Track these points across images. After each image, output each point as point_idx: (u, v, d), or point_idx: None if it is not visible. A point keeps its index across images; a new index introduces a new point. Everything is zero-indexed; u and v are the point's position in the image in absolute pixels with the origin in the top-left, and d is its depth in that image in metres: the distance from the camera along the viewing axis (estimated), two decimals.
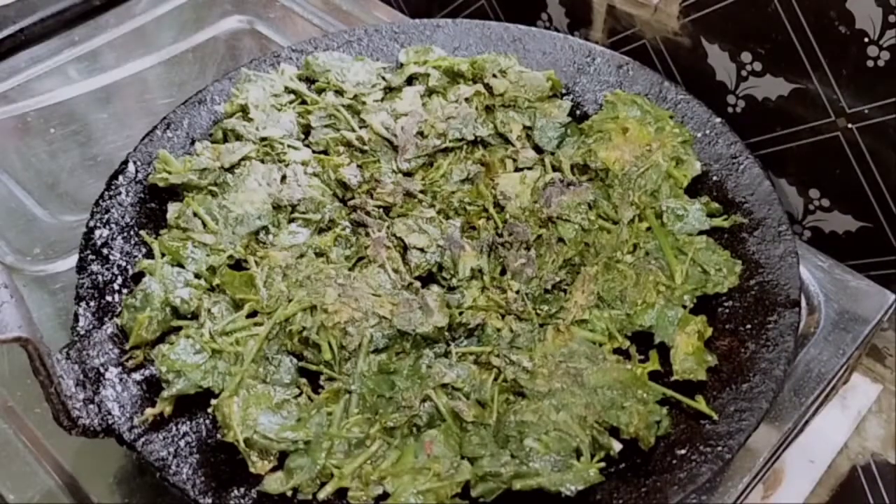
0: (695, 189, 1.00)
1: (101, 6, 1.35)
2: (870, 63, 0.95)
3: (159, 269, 0.89)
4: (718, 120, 1.03)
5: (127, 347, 0.85)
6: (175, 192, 0.99)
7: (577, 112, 1.09)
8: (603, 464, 0.77)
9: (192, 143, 1.04)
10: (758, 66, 1.06)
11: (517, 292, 0.91)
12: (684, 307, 0.89)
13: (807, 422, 0.93)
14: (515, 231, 0.95)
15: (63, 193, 1.12)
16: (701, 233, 0.95)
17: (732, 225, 0.95)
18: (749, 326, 0.87)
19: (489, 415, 0.81)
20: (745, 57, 1.06)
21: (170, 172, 0.98)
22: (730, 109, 1.12)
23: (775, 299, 0.88)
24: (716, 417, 0.80)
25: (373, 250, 0.93)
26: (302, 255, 0.93)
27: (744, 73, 1.07)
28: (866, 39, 0.94)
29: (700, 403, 0.81)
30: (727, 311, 0.89)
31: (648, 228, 0.95)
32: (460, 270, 0.93)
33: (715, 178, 1.00)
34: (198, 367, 0.83)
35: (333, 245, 0.95)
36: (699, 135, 1.03)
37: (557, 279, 0.92)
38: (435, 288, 0.91)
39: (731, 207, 0.97)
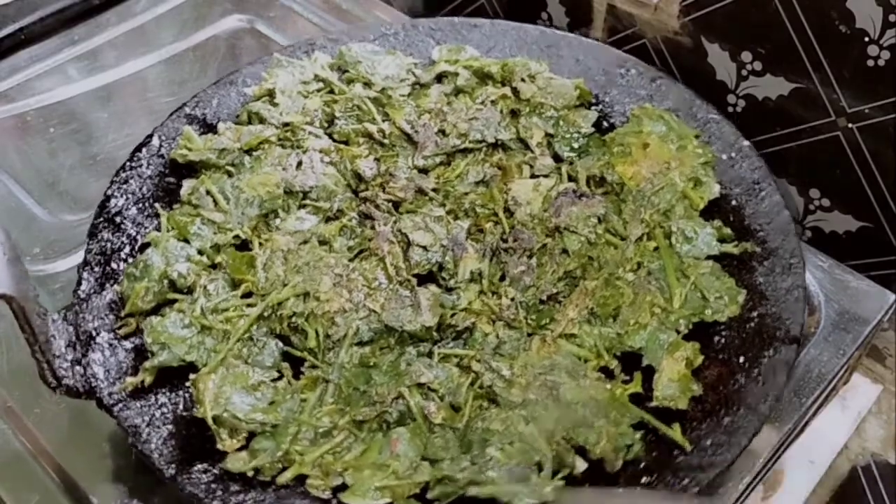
0: (712, 212, 0.97)
1: (101, 5, 1.35)
2: (870, 62, 0.94)
3: (164, 242, 0.92)
4: (746, 143, 1.00)
5: (122, 315, 0.87)
6: (194, 169, 1.01)
7: (605, 123, 1.07)
8: (562, 482, 0.76)
9: (218, 122, 1.06)
10: (758, 66, 1.05)
11: (512, 299, 0.90)
12: (678, 332, 0.86)
13: (807, 422, 0.92)
14: (520, 238, 0.94)
15: (63, 193, 1.12)
16: (710, 258, 0.92)
17: (743, 253, 0.92)
18: (742, 359, 0.84)
19: (460, 419, 0.80)
20: (746, 56, 1.05)
21: (190, 149, 1.01)
22: (730, 109, 1.11)
23: (774, 333, 0.84)
24: (688, 448, 0.77)
25: (376, 244, 0.94)
26: (305, 242, 0.94)
27: (744, 72, 1.06)
28: (867, 39, 0.93)
29: (675, 432, 0.79)
30: (723, 340, 0.87)
31: (656, 248, 0.93)
32: (460, 272, 0.92)
33: (734, 202, 0.97)
34: (184, 341, 0.85)
35: (338, 235, 0.95)
36: (724, 157, 1.00)
37: (555, 290, 0.91)
38: (432, 287, 0.91)
39: (746, 234, 0.94)
